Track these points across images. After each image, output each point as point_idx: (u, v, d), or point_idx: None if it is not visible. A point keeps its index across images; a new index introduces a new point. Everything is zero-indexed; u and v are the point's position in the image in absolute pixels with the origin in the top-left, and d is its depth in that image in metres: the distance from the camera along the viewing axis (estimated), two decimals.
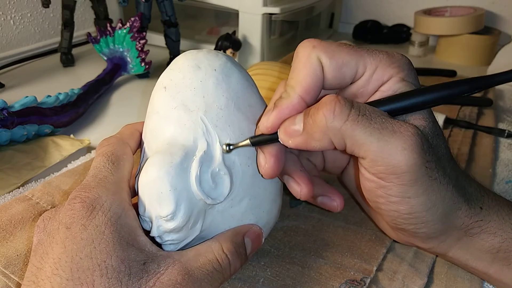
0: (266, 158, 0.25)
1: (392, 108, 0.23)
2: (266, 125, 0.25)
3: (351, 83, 0.25)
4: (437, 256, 0.31)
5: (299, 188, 0.27)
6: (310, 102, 0.24)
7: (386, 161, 0.22)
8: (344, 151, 0.23)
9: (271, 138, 0.25)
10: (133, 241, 0.23)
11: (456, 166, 0.25)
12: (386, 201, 0.24)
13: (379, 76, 0.24)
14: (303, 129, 0.23)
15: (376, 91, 0.25)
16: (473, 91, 0.23)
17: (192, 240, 0.25)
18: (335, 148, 0.23)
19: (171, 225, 0.23)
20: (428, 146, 0.23)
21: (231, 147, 0.25)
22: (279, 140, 0.24)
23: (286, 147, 0.25)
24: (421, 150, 0.22)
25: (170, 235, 0.24)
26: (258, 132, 0.26)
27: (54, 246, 0.22)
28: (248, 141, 0.25)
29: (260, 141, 0.25)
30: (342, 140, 0.22)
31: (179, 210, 0.23)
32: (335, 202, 0.29)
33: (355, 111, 0.22)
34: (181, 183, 0.23)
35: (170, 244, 0.25)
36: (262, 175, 0.26)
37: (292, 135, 0.24)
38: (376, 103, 0.24)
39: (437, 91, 0.23)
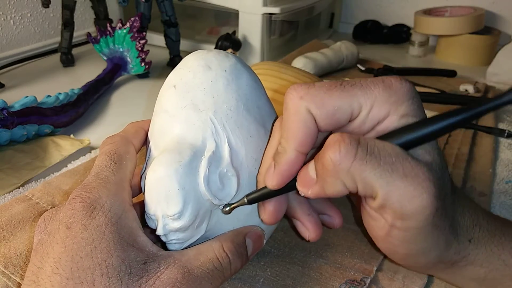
0: (266, 211, 0.26)
1: (402, 143, 0.21)
2: (271, 183, 0.24)
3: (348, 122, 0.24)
4: None
5: (307, 234, 0.27)
6: (308, 151, 0.24)
7: (394, 207, 0.21)
8: (357, 194, 0.22)
9: (267, 194, 0.25)
10: (133, 242, 0.23)
11: (454, 195, 0.24)
12: (386, 240, 0.24)
13: (375, 115, 0.22)
14: (317, 176, 0.22)
15: (371, 129, 0.23)
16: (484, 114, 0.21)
17: (196, 240, 0.25)
18: (351, 193, 0.22)
19: (177, 224, 0.23)
20: (439, 190, 0.21)
21: (227, 208, 0.25)
22: (300, 193, 0.23)
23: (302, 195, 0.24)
24: (433, 198, 0.21)
25: (175, 234, 0.24)
26: (262, 185, 0.25)
27: (54, 245, 0.22)
28: (244, 200, 0.25)
29: (254, 199, 0.25)
30: (354, 183, 0.21)
31: (187, 209, 0.23)
32: (335, 220, 0.28)
33: (362, 149, 0.21)
34: (189, 182, 0.23)
35: (175, 243, 0.25)
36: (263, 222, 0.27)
37: (309, 184, 0.23)
38: (385, 137, 0.22)
39: (450, 117, 0.21)
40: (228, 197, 0.25)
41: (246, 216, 0.26)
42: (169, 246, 0.25)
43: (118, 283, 0.21)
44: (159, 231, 0.24)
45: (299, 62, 0.62)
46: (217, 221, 0.26)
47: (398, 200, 0.21)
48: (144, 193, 0.24)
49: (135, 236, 0.23)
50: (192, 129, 0.25)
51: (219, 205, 0.25)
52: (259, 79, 0.29)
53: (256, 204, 0.26)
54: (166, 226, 0.24)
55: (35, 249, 0.23)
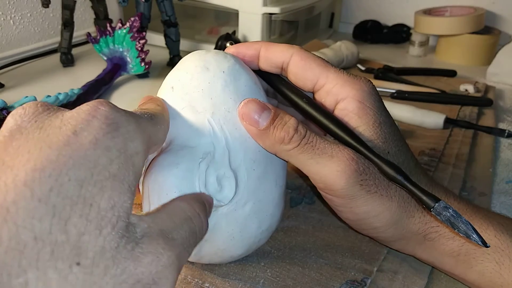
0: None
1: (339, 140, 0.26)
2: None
3: (316, 92, 0.28)
4: None
5: None
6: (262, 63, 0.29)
7: (323, 180, 0.25)
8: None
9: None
10: (133, 188, 0.18)
11: (417, 176, 0.27)
12: (337, 210, 0.27)
13: (337, 92, 0.27)
14: (263, 129, 0.25)
15: (334, 107, 0.27)
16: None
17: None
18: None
19: None
20: (364, 167, 0.25)
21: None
22: (238, 112, 0.26)
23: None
24: (354, 171, 0.25)
25: None
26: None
27: (43, 145, 0.16)
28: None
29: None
30: (287, 158, 0.26)
31: None
32: None
33: (305, 139, 0.25)
34: (187, 185, 0.23)
35: None
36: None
37: (251, 123, 0.25)
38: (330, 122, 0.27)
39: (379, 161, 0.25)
40: (226, 199, 0.25)
41: (245, 218, 0.26)
42: None
43: (95, 232, 0.15)
44: None
45: None
46: (216, 224, 0.26)
47: (325, 175, 0.25)
48: (142, 196, 0.24)
49: (136, 184, 0.19)
50: (190, 131, 0.25)
51: (218, 207, 0.25)
52: (258, 79, 0.29)
53: (254, 207, 0.26)
54: None
55: (10, 133, 0.17)
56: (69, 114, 0.18)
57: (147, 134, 0.20)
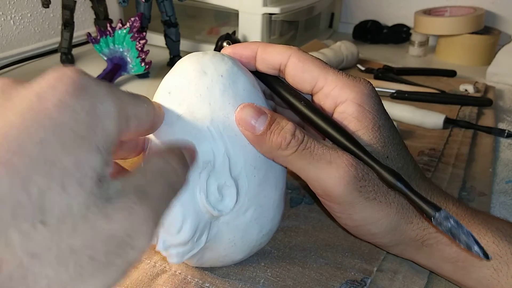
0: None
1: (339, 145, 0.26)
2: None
3: (314, 94, 0.28)
4: None
5: None
6: (259, 64, 0.28)
7: (322, 187, 0.25)
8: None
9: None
10: (103, 150, 0.17)
11: (416, 181, 0.27)
12: (335, 216, 0.27)
13: (336, 95, 0.27)
14: (260, 134, 0.25)
15: (333, 110, 0.27)
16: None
17: (197, 252, 0.25)
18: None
19: (177, 239, 0.23)
20: (363, 173, 0.25)
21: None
22: (234, 118, 0.25)
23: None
24: (353, 178, 0.24)
25: (175, 249, 0.24)
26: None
27: (8, 113, 0.16)
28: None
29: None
30: (285, 164, 0.26)
31: (186, 224, 0.23)
32: None
33: (303, 145, 0.25)
34: (187, 197, 0.23)
35: (175, 256, 0.24)
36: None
37: (248, 128, 0.25)
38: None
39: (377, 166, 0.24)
40: (227, 208, 0.24)
41: (246, 225, 0.26)
42: (169, 259, 0.25)
43: (58, 192, 0.15)
44: (159, 247, 0.24)
45: None
46: (217, 232, 0.26)
47: (323, 181, 0.25)
48: None
49: (110, 145, 0.18)
50: (189, 138, 0.24)
51: (220, 215, 0.25)
52: (256, 81, 0.28)
53: (256, 213, 0.26)
54: (166, 241, 0.23)
55: None
56: (36, 82, 0.17)
57: (123, 102, 0.19)
